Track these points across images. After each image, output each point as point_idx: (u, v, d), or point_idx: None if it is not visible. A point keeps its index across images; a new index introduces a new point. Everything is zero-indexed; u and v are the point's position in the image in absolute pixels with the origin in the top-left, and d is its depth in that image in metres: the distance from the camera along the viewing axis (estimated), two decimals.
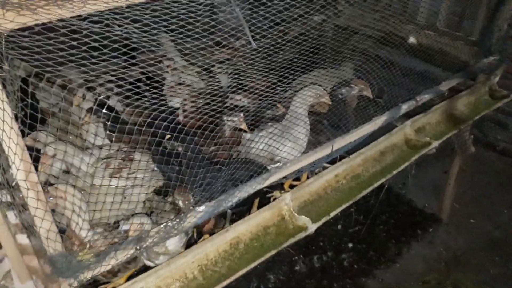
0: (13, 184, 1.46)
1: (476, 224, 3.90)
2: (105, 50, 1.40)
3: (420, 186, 4.24)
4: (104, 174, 1.92)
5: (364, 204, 3.98)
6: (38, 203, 1.42)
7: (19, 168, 1.36)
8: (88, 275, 1.64)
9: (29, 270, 1.67)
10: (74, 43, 1.22)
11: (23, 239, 1.67)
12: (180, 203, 1.79)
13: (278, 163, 2.11)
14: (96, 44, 1.36)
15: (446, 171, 3.92)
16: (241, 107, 2.26)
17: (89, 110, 2.15)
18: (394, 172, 2.44)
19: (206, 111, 1.83)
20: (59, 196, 1.69)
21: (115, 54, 1.49)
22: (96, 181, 1.89)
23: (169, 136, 1.91)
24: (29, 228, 1.55)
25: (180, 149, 1.91)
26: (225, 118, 2.15)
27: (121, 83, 1.69)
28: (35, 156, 1.45)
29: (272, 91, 2.02)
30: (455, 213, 3.97)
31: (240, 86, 2.16)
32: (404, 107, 2.56)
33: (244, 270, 1.96)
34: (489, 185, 4.28)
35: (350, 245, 3.75)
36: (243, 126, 2.14)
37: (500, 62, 3.05)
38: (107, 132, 2.00)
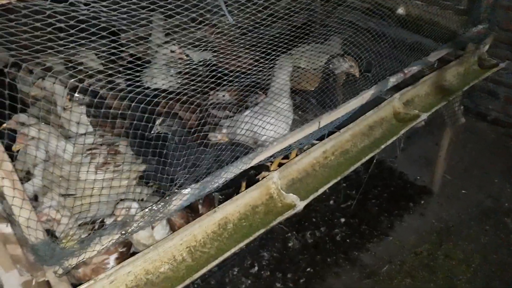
0: None
1: (467, 195, 3.92)
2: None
3: (412, 159, 4.24)
4: (89, 167, 1.87)
5: (355, 179, 3.98)
6: (15, 192, 1.39)
7: None
8: (73, 261, 1.62)
9: (13, 259, 1.65)
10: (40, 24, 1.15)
11: (4, 228, 1.65)
12: None
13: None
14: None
15: (437, 143, 3.92)
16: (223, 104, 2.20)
17: (69, 95, 2.08)
18: (383, 146, 2.42)
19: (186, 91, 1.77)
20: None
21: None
22: (82, 175, 1.83)
23: (161, 119, 1.85)
24: (8, 217, 1.52)
25: (174, 128, 1.86)
26: (210, 135, 2.12)
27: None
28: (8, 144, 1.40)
29: (255, 69, 1.96)
30: (446, 184, 3.98)
31: (220, 65, 2.10)
32: (392, 80, 2.52)
33: (233, 250, 1.95)
34: (481, 155, 4.28)
35: (343, 220, 3.76)
36: (224, 139, 2.11)
37: (489, 31, 2.99)
38: (88, 117, 1.94)
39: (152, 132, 1.83)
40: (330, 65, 2.38)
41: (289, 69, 2.10)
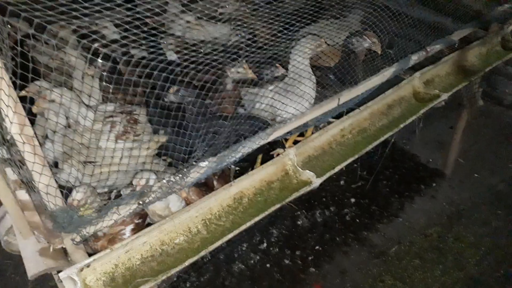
0: (9, 138, 1.41)
1: (480, 179, 3.88)
2: None
3: (425, 141, 4.20)
4: (110, 136, 1.84)
5: (367, 159, 3.95)
6: (36, 158, 1.37)
7: (13, 121, 1.29)
8: (90, 230, 1.63)
9: (31, 226, 1.66)
10: None
11: (23, 195, 1.65)
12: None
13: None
14: None
15: (452, 126, 3.86)
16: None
17: (91, 61, 2.01)
18: (401, 126, 2.37)
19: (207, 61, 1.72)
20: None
21: None
22: (102, 143, 1.81)
23: (175, 88, 1.81)
24: (28, 184, 1.52)
25: (189, 99, 1.82)
26: (228, 71, 2.05)
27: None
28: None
29: (277, 40, 1.91)
30: (459, 168, 3.95)
31: (242, 35, 2.04)
32: (414, 58, 2.46)
33: (248, 224, 1.95)
34: (495, 139, 4.23)
35: (353, 200, 3.75)
36: (251, 74, 2.03)
37: None
38: (104, 83, 1.90)
39: (165, 100, 1.80)
40: (350, 45, 2.32)
41: (308, 56, 2.04)
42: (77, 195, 1.55)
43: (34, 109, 1.67)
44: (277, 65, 2.13)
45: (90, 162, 1.66)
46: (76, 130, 1.71)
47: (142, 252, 1.80)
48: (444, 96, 2.48)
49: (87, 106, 1.78)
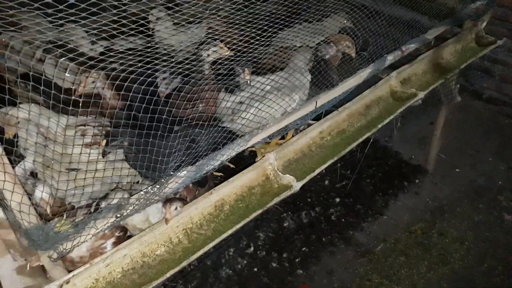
0: None
1: (461, 173, 3.94)
2: None
3: (406, 138, 4.23)
4: (79, 142, 1.81)
5: (350, 158, 3.97)
6: (6, 176, 1.35)
7: None
8: (67, 246, 1.60)
9: (6, 244, 1.63)
10: None
11: None
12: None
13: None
14: None
15: (432, 122, 3.91)
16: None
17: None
18: (380, 126, 2.39)
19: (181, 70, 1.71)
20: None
21: None
22: (71, 150, 1.77)
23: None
24: (0, 202, 1.49)
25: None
26: (203, 53, 2.04)
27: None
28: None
29: (251, 46, 1.90)
30: (440, 163, 3.99)
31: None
32: (390, 58, 2.48)
33: (230, 232, 1.94)
34: (475, 134, 4.29)
35: (338, 199, 3.77)
36: (227, 51, 2.02)
37: (487, 7, 2.95)
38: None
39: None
40: (318, 53, 2.34)
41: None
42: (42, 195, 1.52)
43: (7, 136, 1.64)
44: (245, 73, 2.09)
45: (71, 169, 1.63)
46: (50, 138, 1.67)
47: (123, 265, 1.77)
48: (421, 95, 2.51)
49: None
